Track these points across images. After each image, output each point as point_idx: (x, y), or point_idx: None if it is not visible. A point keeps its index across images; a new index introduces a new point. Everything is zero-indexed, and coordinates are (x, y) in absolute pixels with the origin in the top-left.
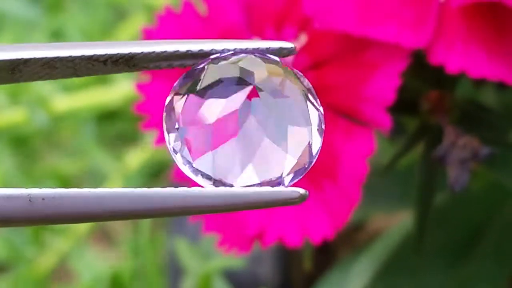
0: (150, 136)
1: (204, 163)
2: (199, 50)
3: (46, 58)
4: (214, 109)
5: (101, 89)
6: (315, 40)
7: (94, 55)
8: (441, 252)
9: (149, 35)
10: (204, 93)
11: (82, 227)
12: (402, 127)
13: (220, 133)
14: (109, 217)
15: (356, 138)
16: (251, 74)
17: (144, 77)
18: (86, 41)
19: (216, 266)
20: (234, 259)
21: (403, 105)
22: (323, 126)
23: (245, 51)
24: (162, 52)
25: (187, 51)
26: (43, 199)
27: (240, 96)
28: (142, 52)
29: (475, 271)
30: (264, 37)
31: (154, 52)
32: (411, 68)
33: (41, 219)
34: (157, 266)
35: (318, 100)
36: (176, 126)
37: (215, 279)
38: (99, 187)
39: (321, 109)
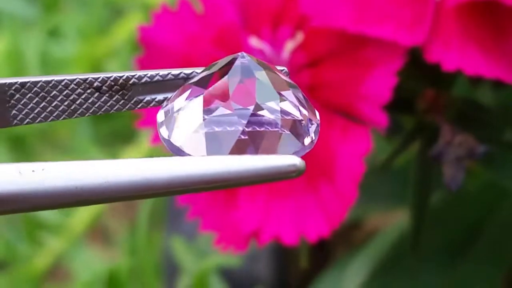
0: (146, 134)
1: (195, 137)
2: (192, 73)
3: (41, 81)
4: (203, 85)
5: None
6: (311, 38)
7: (89, 78)
8: (437, 251)
9: (145, 33)
10: (200, 83)
11: (79, 226)
12: (398, 125)
13: (211, 99)
14: (100, 191)
15: (352, 136)
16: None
17: None
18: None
19: (212, 264)
20: (230, 258)
21: (400, 104)
22: (318, 121)
23: None
24: (155, 75)
25: (180, 73)
26: (33, 170)
27: (229, 67)
28: (135, 75)
29: (471, 270)
30: (260, 35)
31: (147, 75)
32: (408, 66)
33: (31, 193)
34: (154, 265)
35: (309, 104)
36: (170, 108)
37: (211, 278)
38: None
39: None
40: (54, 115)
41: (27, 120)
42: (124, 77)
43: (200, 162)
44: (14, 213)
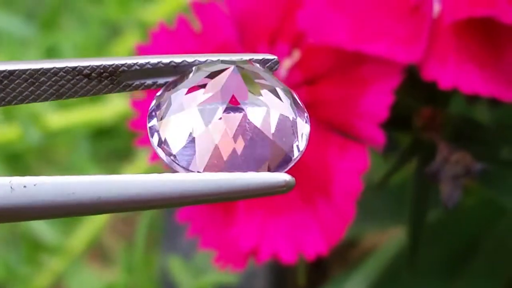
0: (145, 152)
1: (185, 152)
2: (182, 61)
3: (30, 69)
4: (195, 98)
5: (95, 106)
6: (308, 56)
7: (78, 66)
8: (434, 268)
9: (143, 51)
10: (187, 85)
11: (78, 246)
12: (395, 143)
13: (202, 122)
14: (91, 207)
15: (349, 154)
16: (232, 63)
17: (138, 93)
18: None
19: (209, 282)
20: (227, 275)
21: (396, 121)
22: (308, 121)
23: (228, 61)
24: (145, 64)
25: (170, 62)
26: (24, 186)
27: (220, 79)
28: (125, 63)
29: (468, 286)
30: (257, 53)
31: (137, 63)
32: (404, 84)
33: (22, 207)
34: (151, 283)
35: (299, 100)
36: (157, 120)
37: None
38: None
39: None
40: (42, 97)
41: (15, 101)
42: (113, 66)
43: (193, 179)
44: (3, 223)
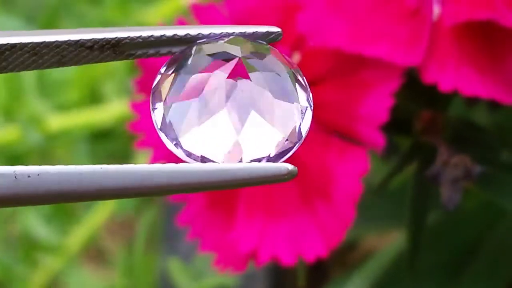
0: (145, 155)
1: (190, 140)
2: (186, 35)
3: (32, 43)
4: (199, 84)
5: (95, 108)
6: (308, 59)
7: (81, 39)
8: (434, 271)
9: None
10: (190, 70)
11: (75, 246)
12: (395, 146)
13: (206, 109)
14: (95, 195)
15: (349, 157)
16: (237, 49)
17: (138, 96)
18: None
19: (209, 285)
20: (226, 278)
21: (396, 124)
22: (312, 106)
23: (232, 35)
24: (148, 37)
25: (174, 35)
26: (28, 176)
27: (226, 70)
28: (128, 37)
29: None
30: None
31: (140, 36)
32: (404, 87)
33: (26, 195)
34: (150, 286)
35: (305, 80)
36: (162, 104)
37: None
38: (94, 207)
39: (309, 89)
40: (44, 66)
41: (17, 69)
42: (116, 38)
43: (197, 170)
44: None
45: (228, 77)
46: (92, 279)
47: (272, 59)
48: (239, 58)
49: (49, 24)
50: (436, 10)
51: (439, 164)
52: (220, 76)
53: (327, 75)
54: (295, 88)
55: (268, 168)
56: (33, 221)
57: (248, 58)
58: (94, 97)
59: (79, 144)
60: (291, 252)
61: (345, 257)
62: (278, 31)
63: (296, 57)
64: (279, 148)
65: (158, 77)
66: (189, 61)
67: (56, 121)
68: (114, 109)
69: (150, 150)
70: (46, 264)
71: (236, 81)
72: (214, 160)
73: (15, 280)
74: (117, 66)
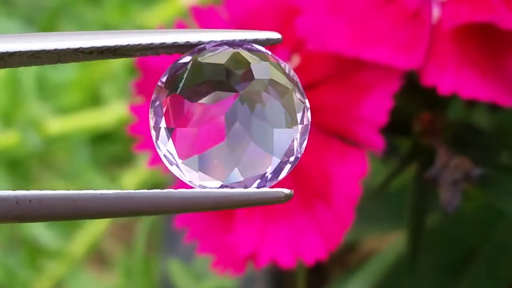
0: (144, 157)
1: (190, 164)
2: (186, 42)
3: (31, 51)
4: (200, 113)
5: (94, 111)
6: (308, 61)
7: (80, 47)
8: (434, 273)
9: (141, 57)
10: (190, 94)
11: (78, 251)
12: (394, 148)
13: (206, 137)
14: (94, 217)
15: (349, 159)
16: (237, 77)
17: (137, 99)
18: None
19: (209, 287)
20: (226, 280)
21: (396, 127)
22: (310, 120)
23: (232, 42)
24: (148, 44)
25: (174, 43)
26: (30, 201)
27: (226, 102)
28: (128, 44)
29: None
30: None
31: (140, 44)
32: (404, 89)
33: (26, 217)
34: (150, 287)
35: (304, 94)
36: (163, 125)
37: None
38: None
39: (307, 102)
40: (44, 65)
41: (15, 66)
42: (116, 46)
43: (196, 195)
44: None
45: (228, 109)
46: (95, 283)
47: (272, 84)
48: (239, 92)
49: (49, 25)
50: (436, 12)
51: (438, 166)
52: (220, 108)
53: (327, 77)
54: (295, 110)
55: (266, 193)
56: (37, 226)
57: (249, 87)
58: (94, 100)
59: (79, 147)
60: (291, 254)
61: (345, 259)
62: (278, 38)
63: (296, 60)
64: (276, 168)
65: (156, 91)
66: (188, 82)
67: (56, 124)
68: (115, 112)
69: (149, 152)
70: (49, 269)
71: (236, 112)
72: (213, 186)
73: (18, 285)
74: (117, 68)
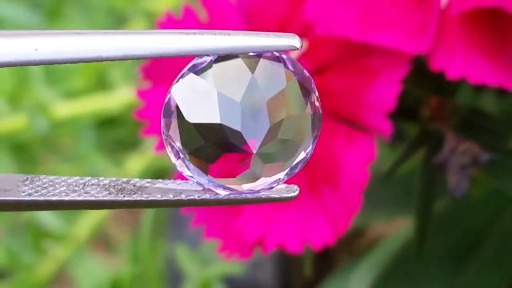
0: (150, 142)
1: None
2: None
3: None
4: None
5: (101, 95)
6: (316, 46)
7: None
8: (441, 259)
9: None
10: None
11: (82, 234)
12: (402, 133)
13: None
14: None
15: (356, 144)
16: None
17: (144, 83)
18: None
19: (216, 272)
20: (233, 265)
21: (404, 112)
22: (319, 130)
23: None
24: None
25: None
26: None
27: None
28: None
29: (475, 278)
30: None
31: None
32: (412, 74)
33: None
34: (157, 272)
35: (319, 102)
36: (180, 145)
37: (214, 285)
38: None
39: (320, 110)
40: None
41: None
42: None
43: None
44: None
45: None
46: (99, 267)
47: (289, 117)
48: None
49: (55, 11)
50: None
51: (446, 151)
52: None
53: (335, 62)
54: (309, 131)
55: (274, 197)
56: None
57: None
58: (101, 84)
59: (85, 131)
60: (298, 239)
61: (352, 244)
62: (297, 47)
63: (304, 45)
64: (288, 172)
65: (169, 95)
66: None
67: (63, 109)
68: (121, 96)
69: (156, 137)
70: (53, 252)
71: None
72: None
73: (22, 268)
74: None
